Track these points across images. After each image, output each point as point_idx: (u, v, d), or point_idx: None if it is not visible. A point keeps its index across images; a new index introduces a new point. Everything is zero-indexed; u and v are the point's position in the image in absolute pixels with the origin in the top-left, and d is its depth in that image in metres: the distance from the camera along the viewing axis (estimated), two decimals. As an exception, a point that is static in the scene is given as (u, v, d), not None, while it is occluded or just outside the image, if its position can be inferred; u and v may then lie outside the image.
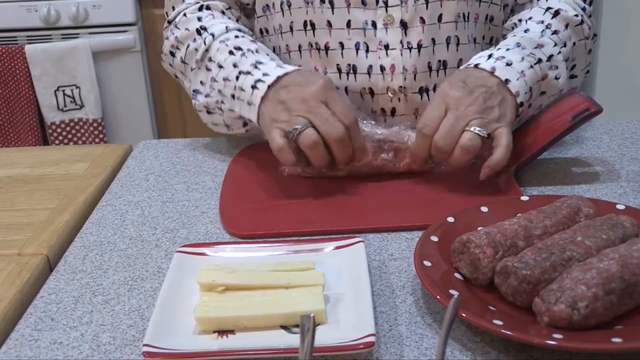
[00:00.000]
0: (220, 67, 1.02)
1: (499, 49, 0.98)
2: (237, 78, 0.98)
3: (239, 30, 1.07)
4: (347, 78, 1.05)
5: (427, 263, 0.70)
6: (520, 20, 1.06)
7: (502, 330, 0.61)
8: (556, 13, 1.03)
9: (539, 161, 0.97)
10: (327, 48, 1.05)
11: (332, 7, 1.02)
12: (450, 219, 0.78)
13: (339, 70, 1.05)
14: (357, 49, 1.03)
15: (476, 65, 0.95)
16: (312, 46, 1.06)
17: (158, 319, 0.66)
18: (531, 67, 0.96)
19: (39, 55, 2.24)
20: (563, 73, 0.99)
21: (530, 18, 1.04)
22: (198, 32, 1.06)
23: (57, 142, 2.34)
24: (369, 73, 1.04)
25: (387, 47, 1.02)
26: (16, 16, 2.26)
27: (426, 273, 0.68)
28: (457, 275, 0.70)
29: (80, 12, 2.25)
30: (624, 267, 0.62)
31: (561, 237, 0.68)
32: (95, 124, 2.34)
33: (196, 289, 0.70)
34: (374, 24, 1.02)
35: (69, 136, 2.34)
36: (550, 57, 0.98)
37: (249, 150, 1.06)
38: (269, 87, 0.94)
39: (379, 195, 0.91)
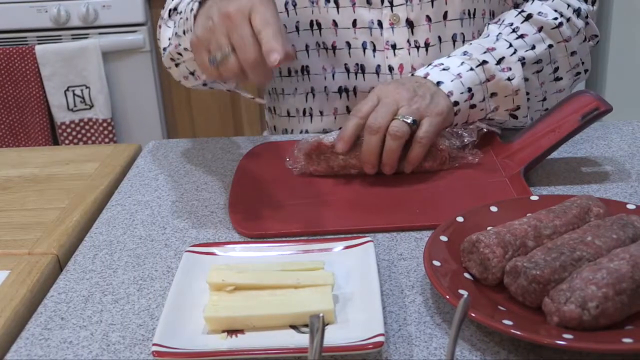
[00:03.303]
0: (179, 12, 0.97)
1: (443, 57, 1.00)
2: (184, 11, 0.92)
3: None
4: (356, 78, 1.05)
5: (436, 263, 0.70)
6: (497, 21, 1.05)
7: (512, 331, 0.60)
8: (528, 17, 1.02)
9: (548, 160, 0.97)
10: (334, 47, 1.05)
11: (337, 7, 1.02)
12: (460, 219, 0.77)
13: (347, 70, 1.05)
14: (365, 49, 1.03)
15: (412, 75, 0.98)
16: (319, 45, 1.06)
17: (167, 318, 0.66)
18: (471, 69, 0.97)
19: (49, 55, 2.25)
20: (517, 74, 0.99)
21: (502, 21, 1.04)
22: (171, 11, 1.02)
23: (67, 142, 2.35)
24: (377, 73, 1.04)
25: (394, 46, 1.03)
26: (26, 17, 2.27)
27: (435, 273, 0.68)
28: (466, 275, 0.70)
29: (90, 13, 2.25)
30: (635, 267, 0.62)
31: (571, 237, 0.68)
32: (105, 124, 2.34)
33: (205, 289, 0.70)
34: (380, 24, 1.02)
35: (79, 136, 2.35)
36: (501, 60, 0.98)
37: (258, 150, 1.07)
38: (200, 3, 0.87)
39: (388, 195, 0.91)
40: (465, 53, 0.99)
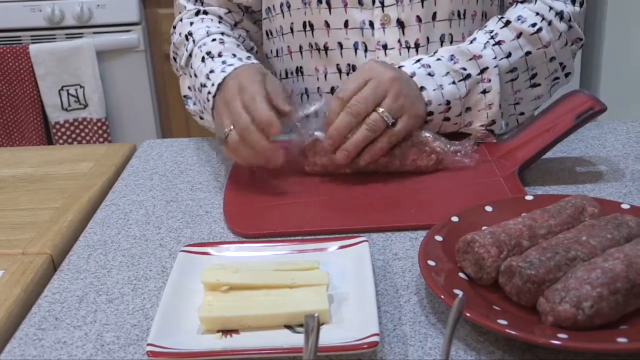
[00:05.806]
0: (195, 75, 1.03)
1: (431, 56, 1.00)
2: (201, 90, 1.01)
3: (222, 34, 1.07)
4: (348, 78, 1.05)
5: (431, 263, 0.70)
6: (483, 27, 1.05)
7: (507, 330, 0.60)
8: (507, 23, 1.01)
9: (543, 160, 0.97)
10: (326, 48, 1.05)
11: (329, 8, 1.03)
12: (455, 219, 0.77)
13: (339, 70, 1.05)
14: (356, 49, 1.04)
15: (400, 67, 0.97)
16: (312, 47, 1.06)
17: (162, 318, 0.66)
18: (453, 82, 0.97)
19: (43, 55, 2.24)
20: (495, 87, 0.98)
21: (485, 27, 1.03)
22: (186, 37, 1.08)
23: (61, 141, 2.34)
24: None
25: (385, 47, 1.03)
26: (20, 16, 2.26)
27: (430, 273, 0.68)
28: (461, 274, 0.70)
29: (85, 12, 2.25)
30: (629, 266, 0.62)
31: (566, 236, 0.68)
32: (99, 124, 2.34)
33: (200, 289, 0.70)
34: (371, 24, 1.02)
35: (73, 135, 2.35)
36: (484, 70, 0.98)
37: (253, 150, 1.06)
38: (214, 97, 0.97)
39: (383, 195, 0.91)
40: (452, 58, 0.98)
